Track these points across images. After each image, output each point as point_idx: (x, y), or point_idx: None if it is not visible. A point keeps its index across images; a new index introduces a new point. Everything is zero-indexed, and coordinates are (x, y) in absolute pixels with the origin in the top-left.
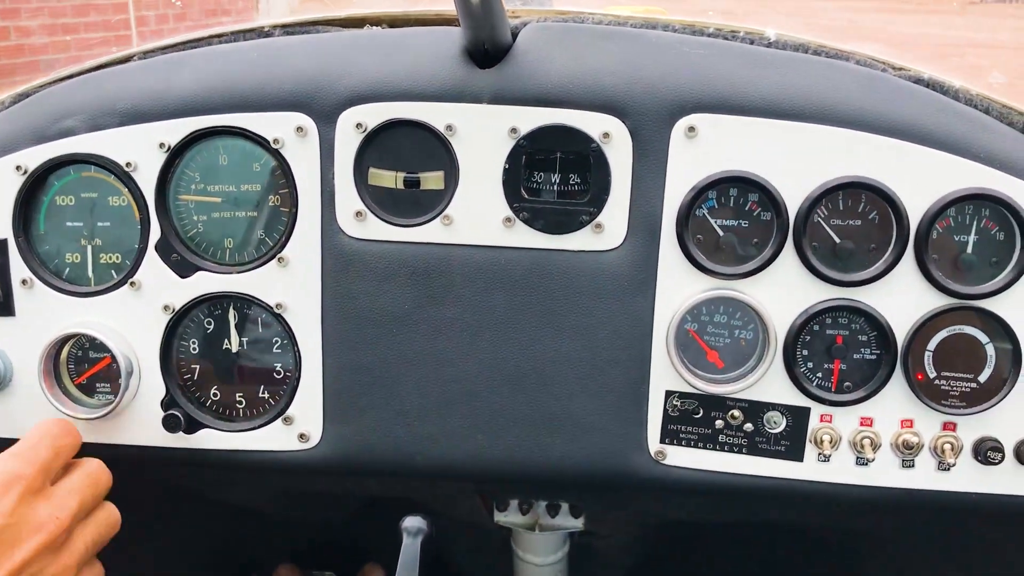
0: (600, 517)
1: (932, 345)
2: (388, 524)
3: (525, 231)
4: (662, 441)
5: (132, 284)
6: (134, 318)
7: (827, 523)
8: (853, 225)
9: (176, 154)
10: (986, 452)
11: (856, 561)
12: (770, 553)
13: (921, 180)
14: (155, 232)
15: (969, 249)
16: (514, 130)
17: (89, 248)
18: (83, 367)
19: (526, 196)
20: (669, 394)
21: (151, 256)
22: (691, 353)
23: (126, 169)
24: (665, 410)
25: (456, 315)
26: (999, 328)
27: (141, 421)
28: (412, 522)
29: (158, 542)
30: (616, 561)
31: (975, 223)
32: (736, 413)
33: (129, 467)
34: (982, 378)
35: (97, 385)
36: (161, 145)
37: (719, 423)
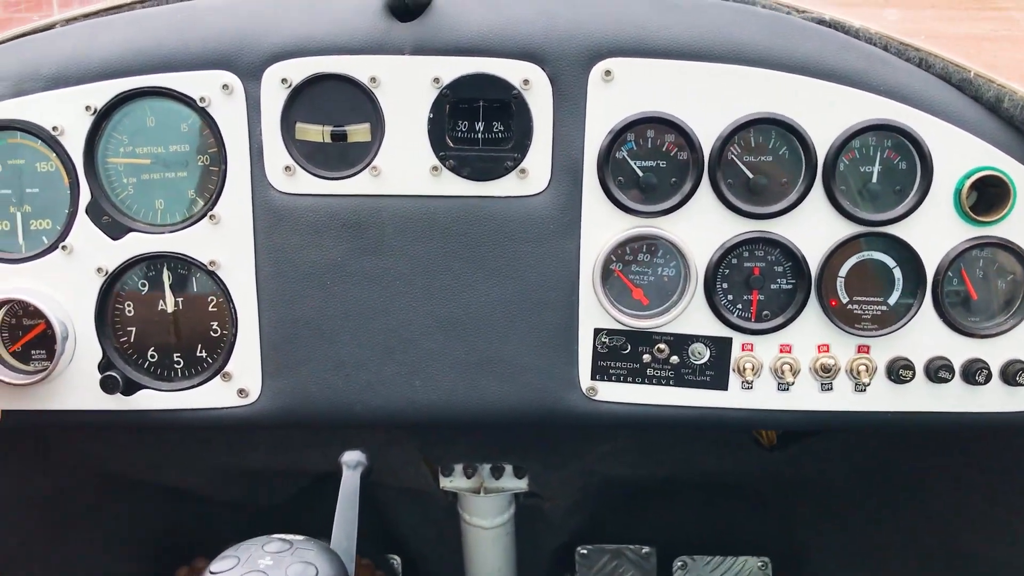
0: (543, 478)
1: (843, 271)
2: (334, 502)
3: (452, 179)
4: (593, 377)
5: (64, 248)
6: (67, 282)
7: (760, 472)
8: (765, 161)
9: (103, 117)
10: (898, 371)
11: (789, 508)
12: (710, 509)
13: (827, 114)
14: (85, 195)
15: (874, 179)
16: (437, 80)
17: (18, 215)
18: (17, 334)
19: (451, 144)
20: (598, 332)
21: (82, 219)
22: (617, 291)
23: (53, 133)
24: (595, 347)
25: (388, 265)
26: (904, 252)
27: (79, 385)
28: (351, 456)
29: (100, 530)
30: (562, 523)
31: (879, 154)
32: (662, 347)
33: (67, 446)
34: (891, 300)
35: (32, 352)
36: (87, 108)
37: (646, 357)
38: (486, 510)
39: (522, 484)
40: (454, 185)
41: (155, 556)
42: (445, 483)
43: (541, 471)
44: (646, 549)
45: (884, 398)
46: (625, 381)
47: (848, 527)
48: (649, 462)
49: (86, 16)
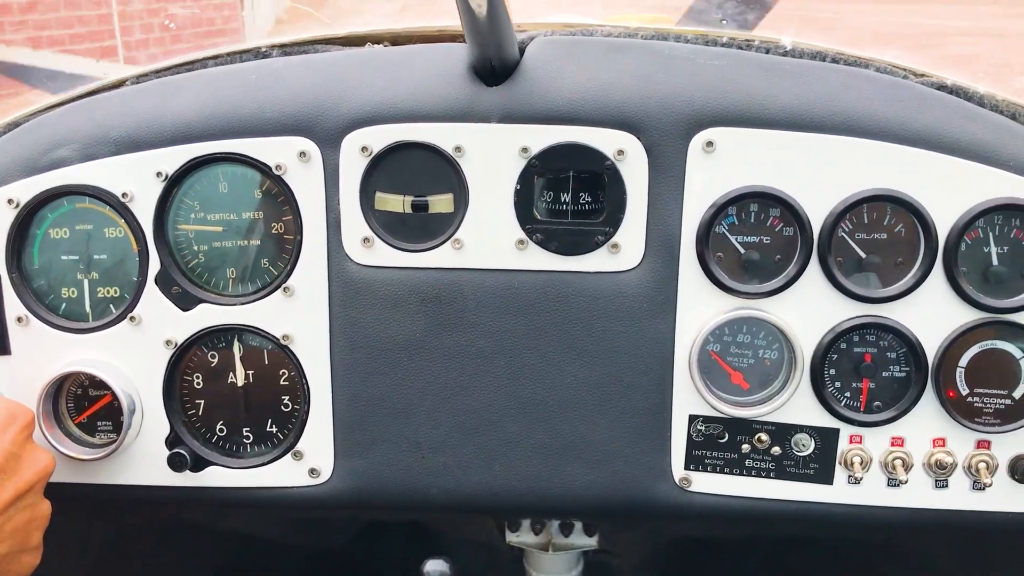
0: (614, 536)
1: (964, 361)
2: (396, 547)
3: (539, 253)
4: (687, 467)
5: (132, 319)
6: (135, 354)
7: (844, 536)
8: (879, 239)
9: (174, 183)
10: (1023, 470)
11: (871, 572)
12: (783, 565)
13: (949, 191)
14: (154, 264)
15: (998, 261)
16: (525, 149)
17: (86, 282)
18: (83, 405)
19: (539, 217)
20: (693, 419)
21: (151, 289)
22: (714, 375)
23: (122, 200)
24: (689, 435)
25: (469, 342)
26: None
27: (145, 460)
28: (434, 566)
29: (159, 572)
30: None
31: (1006, 234)
32: (763, 436)
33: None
34: (1016, 394)
35: (98, 423)
36: (158, 174)
37: (746, 447)
38: (554, 567)
39: (592, 542)
40: (541, 259)
41: None
42: (511, 538)
43: (613, 530)
44: None
45: (1006, 497)
46: (722, 472)
47: None
48: (728, 524)
49: (157, 73)
